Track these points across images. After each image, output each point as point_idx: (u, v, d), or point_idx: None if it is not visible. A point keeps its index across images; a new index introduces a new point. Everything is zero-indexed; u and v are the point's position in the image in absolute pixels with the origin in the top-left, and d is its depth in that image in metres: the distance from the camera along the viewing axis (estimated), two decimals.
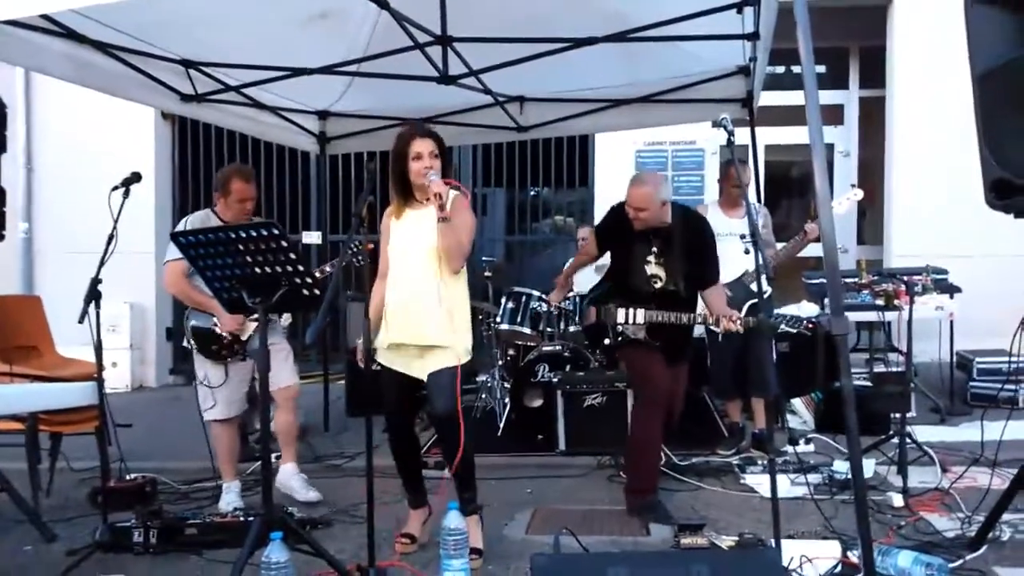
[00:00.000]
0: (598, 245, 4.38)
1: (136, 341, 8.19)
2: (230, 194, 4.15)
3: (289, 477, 4.30)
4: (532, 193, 8.59)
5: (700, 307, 4.14)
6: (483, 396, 5.92)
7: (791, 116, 7.59)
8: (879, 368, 6.02)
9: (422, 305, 3.28)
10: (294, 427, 4.41)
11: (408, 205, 3.41)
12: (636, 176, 4.19)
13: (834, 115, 8.40)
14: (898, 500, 3.91)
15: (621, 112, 5.43)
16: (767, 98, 5.91)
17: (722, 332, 4.03)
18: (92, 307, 3.51)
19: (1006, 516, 3.36)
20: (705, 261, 4.10)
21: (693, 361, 4.49)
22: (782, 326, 3.95)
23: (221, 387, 4.13)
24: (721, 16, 3.89)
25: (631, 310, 4.02)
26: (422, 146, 3.30)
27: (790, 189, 8.68)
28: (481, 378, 6.05)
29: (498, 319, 5.81)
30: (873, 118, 8.23)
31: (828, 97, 8.35)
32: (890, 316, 5.68)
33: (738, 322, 3.90)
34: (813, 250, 5.31)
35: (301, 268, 2.89)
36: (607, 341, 4.15)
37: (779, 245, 5.23)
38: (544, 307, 5.72)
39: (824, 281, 5.49)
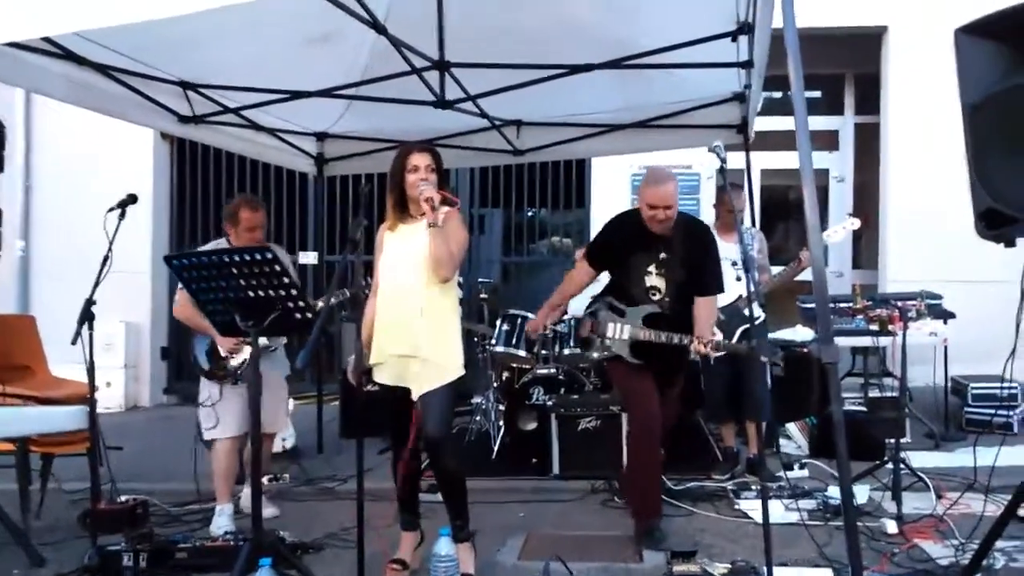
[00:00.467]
0: (593, 264, 4.21)
1: (131, 360, 8.16)
2: (239, 223, 4.24)
3: (247, 496, 4.34)
4: (529, 214, 8.59)
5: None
6: (477, 418, 5.90)
7: (788, 141, 7.54)
8: (874, 393, 6.00)
9: (410, 316, 3.28)
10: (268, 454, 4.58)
11: (403, 220, 3.43)
12: (651, 174, 3.93)
13: (829, 141, 8.45)
14: (892, 527, 3.90)
15: (617, 137, 5.46)
16: (764, 123, 5.96)
17: (696, 356, 3.95)
18: (85, 328, 3.52)
19: (1000, 544, 3.33)
20: (707, 270, 4.01)
21: (687, 384, 4.44)
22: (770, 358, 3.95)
23: (227, 405, 4.16)
24: (716, 44, 3.93)
25: (619, 324, 3.97)
26: (419, 159, 3.34)
27: (787, 213, 8.70)
28: (475, 400, 6.03)
29: (493, 341, 5.80)
30: (868, 144, 8.27)
31: (823, 123, 8.42)
32: (884, 341, 5.67)
33: (709, 347, 3.79)
34: (809, 274, 5.31)
35: (294, 292, 2.91)
36: (595, 355, 4.10)
37: (775, 269, 5.24)
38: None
39: None
